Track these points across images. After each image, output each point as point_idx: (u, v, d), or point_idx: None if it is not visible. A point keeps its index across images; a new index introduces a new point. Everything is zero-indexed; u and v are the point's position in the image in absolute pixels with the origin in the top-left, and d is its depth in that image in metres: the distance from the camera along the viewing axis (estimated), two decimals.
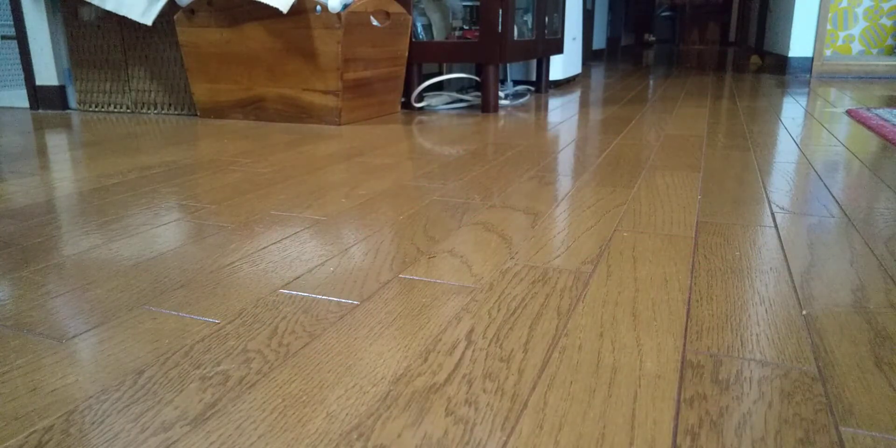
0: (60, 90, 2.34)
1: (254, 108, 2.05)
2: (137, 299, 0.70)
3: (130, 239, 0.90)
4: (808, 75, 3.59)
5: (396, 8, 2.10)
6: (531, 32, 2.51)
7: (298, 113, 2.00)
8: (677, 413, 0.49)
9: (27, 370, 0.55)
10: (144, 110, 2.26)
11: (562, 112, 2.22)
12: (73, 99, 2.35)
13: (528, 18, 2.52)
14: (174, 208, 1.06)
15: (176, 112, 2.24)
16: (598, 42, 5.45)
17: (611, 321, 0.64)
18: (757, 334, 0.61)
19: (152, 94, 2.24)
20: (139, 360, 0.57)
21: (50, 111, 2.33)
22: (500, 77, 2.83)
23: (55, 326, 0.63)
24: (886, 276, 0.75)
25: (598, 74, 3.87)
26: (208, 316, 0.66)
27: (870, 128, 1.78)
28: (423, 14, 2.39)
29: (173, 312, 0.66)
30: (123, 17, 2.15)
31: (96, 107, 2.31)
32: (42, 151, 1.57)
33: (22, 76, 2.38)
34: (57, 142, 1.70)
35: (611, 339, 0.60)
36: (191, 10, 2.00)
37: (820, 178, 1.22)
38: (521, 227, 0.94)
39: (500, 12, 2.09)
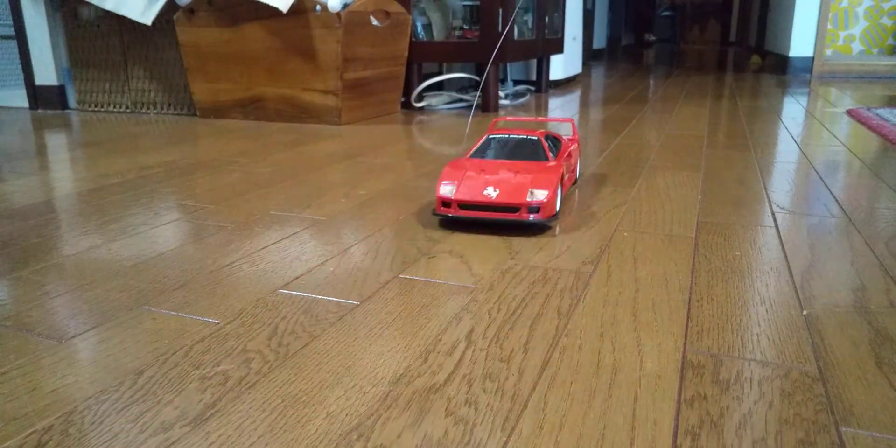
0: (60, 90, 2.34)
1: (253, 108, 2.05)
2: (137, 299, 0.70)
3: (130, 239, 0.90)
4: (808, 75, 3.59)
5: (396, 7, 2.10)
6: (531, 32, 2.51)
7: (298, 113, 2.00)
8: (678, 413, 0.49)
9: (26, 370, 0.55)
10: (144, 110, 2.26)
11: (562, 112, 2.22)
12: (72, 99, 2.35)
13: (528, 18, 2.52)
14: (174, 208, 1.06)
15: (175, 112, 2.24)
16: (599, 42, 5.44)
17: (611, 321, 0.64)
18: (757, 334, 0.61)
19: (152, 94, 2.24)
20: (139, 361, 0.57)
21: (49, 111, 2.33)
22: (500, 77, 2.83)
23: (54, 326, 0.63)
24: (887, 276, 0.75)
25: (598, 74, 3.87)
26: (208, 316, 0.65)
27: (870, 128, 1.78)
28: (423, 14, 2.39)
29: (173, 312, 0.66)
30: (123, 17, 2.15)
31: (96, 107, 2.31)
32: (41, 151, 1.57)
33: (21, 76, 2.38)
34: (56, 142, 1.70)
35: (611, 339, 0.60)
36: (190, 10, 1.99)
37: (820, 178, 1.22)
38: (521, 226, 0.94)
39: (500, 12, 2.09)
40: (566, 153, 1.06)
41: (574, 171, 1.15)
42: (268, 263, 0.80)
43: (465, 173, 0.93)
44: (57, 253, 0.85)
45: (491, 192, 0.89)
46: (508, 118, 1.22)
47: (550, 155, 1.00)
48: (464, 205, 0.90)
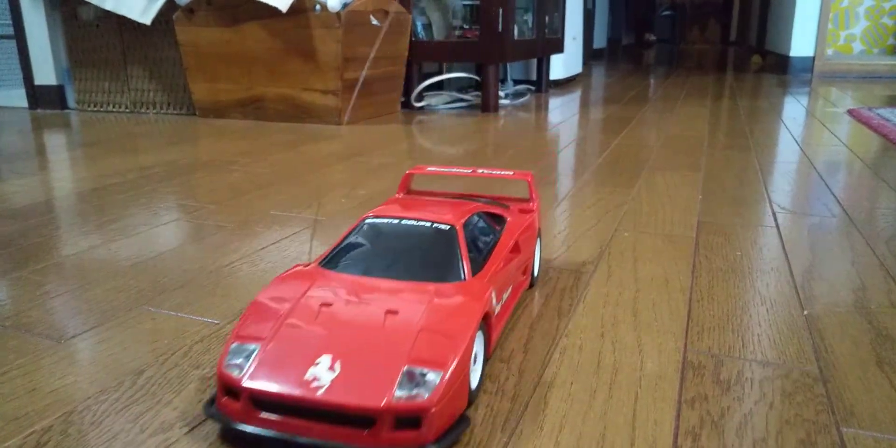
0: (59, 90, 2.34)
1: (253, 108, 2.05)
2: (136, 299, 0.70)
3: (130, 239, 0.90)
4: (809, 75, 3.59)
5: (396, 7, 2.10)
6: (531, 32, 2.51)
7: (298, 113, 2.00)
8: (678, 413, 0.48)
9: (26, 370, 0.55)
10: (143, 110, 2.26)
11: (562, 111, 2.22)
12: (71, 98, 2.35)
13: (529, 18, 2.52)
14: (173, 208, 1.05)
15: (175, 112, 2.23)
16: (599, 41, 5.44)
17: (611, 321, 0.64)
18: (758, 335, 0.61)
19: (151, 94, 2.24)
20: (138, 361, 0.57)
21: (49, 111, 2.33)
22: (501, 76, 2.83)
23: (54, 326, 0.63)
24: (888, 275, 0.75)
25: (598, 74, 3.86)
26: (208, 316, 0.65)
27: (871, 128, 1.78)
28: (423, 13, 2.39)
29: (172, 313, 0.66)
30: (122, 17, 2.14)
31: (95, 106, 2.30)
32: (41, 151, 1.57)
33: (20, 76, 2.38)
34: (56, 141, 1.70)
35: (611, 339, 0.60)
36: (190, 10, 1.99)
37: (821, 178, 1.22)
38: None
39: (501, 12, 2.09)
40: (508, 246, 0.60)
41: (527, 269, 0.68)
42: (268, 263, 0.80)
43: (284, 318, 0.47)
44: (57, 253, 0.84)
45: (322, 373, 0.42)
46: (430, 169, 0.71)
47: (468, 264, 0.53)
48: (261, 401, 0.43)
